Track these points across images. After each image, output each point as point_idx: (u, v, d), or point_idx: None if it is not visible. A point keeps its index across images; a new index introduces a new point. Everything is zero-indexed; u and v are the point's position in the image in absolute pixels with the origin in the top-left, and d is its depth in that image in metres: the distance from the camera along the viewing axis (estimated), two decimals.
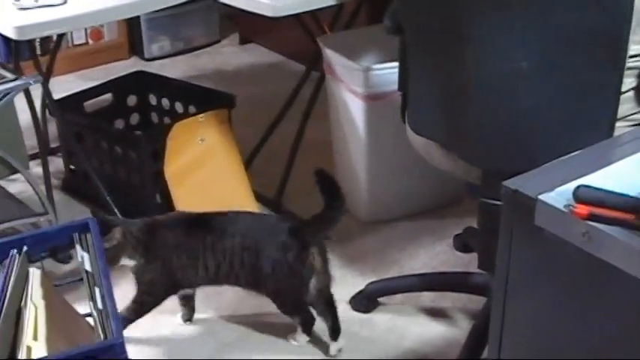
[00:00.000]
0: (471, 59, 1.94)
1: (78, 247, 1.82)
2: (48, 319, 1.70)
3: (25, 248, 1.80)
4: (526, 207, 1.36)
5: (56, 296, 1.83)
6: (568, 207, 1.30)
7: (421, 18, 2.08)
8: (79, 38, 4.25)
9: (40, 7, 2.56)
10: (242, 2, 2.64)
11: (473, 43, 1.93)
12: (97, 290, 1.72)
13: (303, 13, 2.73)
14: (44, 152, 2.98)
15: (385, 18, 2.24)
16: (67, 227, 1.85)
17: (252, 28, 4.46)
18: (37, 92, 3.04)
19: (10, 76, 2.66)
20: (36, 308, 1.71)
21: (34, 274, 1.79)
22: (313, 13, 2.86)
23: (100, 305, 1.69)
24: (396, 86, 2.33)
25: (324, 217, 2.38)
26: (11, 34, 2.50)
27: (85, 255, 1.79)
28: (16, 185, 3.05)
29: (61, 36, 3.23)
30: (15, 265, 1.76)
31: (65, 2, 2.60)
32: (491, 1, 1.87)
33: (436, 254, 2.87)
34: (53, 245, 2.24)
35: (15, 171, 2.73)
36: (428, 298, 2.66)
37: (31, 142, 2.96)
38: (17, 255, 1.78)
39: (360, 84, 2.81)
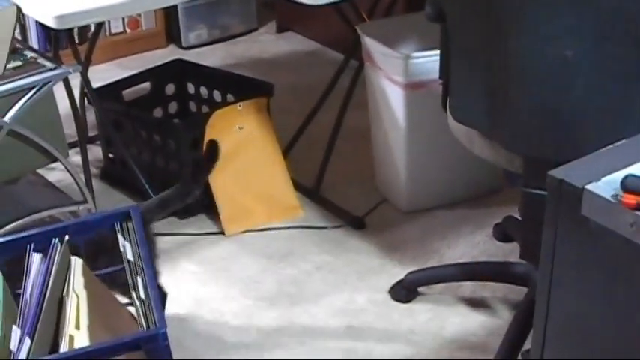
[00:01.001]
0: (514, 47, 1.92)
1: (120, 235, 1.82)
2: (90, 308, 1.71)
3: (66, 237, 1.80)
4: (572, 197, 1.34)
5: (98, 285, 1.83)
6: (615, 197, 1.28)
7: (463, 5, 2.06)
8: (116, 27, 4.26)
9: None
10: None
11: (516, 31, 1.91)
12: (139, 279, 1.72)
13: (342, 1, 2.72)
14: (83, 141, 2.98)
15: (426, 5, 2.21)
16: (109, 216, 1.85)
17: (289, 16, 4.44)
18: (75, 81, 3.04)
19: (49, 65, 2.67)
20: (78, 297, 1.71)
21: (76, 263, 1.79)
22: (351, 1, 2.84)
23: (142, 294, 1.69)
24: (436, 74, 2.30)
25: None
26: (51, 23, 2.50)
27: (127, 244, 1.79)
28: (56, 174, 3.06)
29: (99, 25, 3.24)
30: (57, 255, 1.76)
31: None
32: None
33: (476, 243, 2.85)
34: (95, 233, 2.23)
35: (55, 160, 2.73)
36: (468, 287, 2.64)
37: (70, 130, 2.96)
38: (59, 244, 1.78)
39: (399, 72, 2.79)
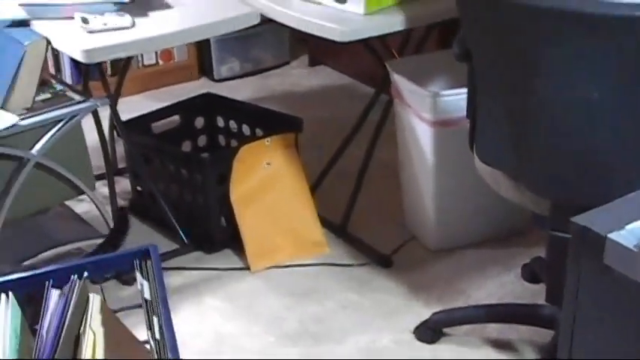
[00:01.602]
0: (540, 89, 1.90)
1: (138, 274, 1.80)
2: (106, 346, 1.69)
3: (85, 274, 1.79)
4: (595, 245, 1.32)
5: (116, 323, 1.81)
6: (639, 246, 1.25)
7: (490, 46, 2.04)
8: (149, 59, 4.27)
9: (108, 30, 2.57)
10: (310, 27, 2.62)
11: (543, 73, 1.89)
12: (155, 319, 1.70)
13: (370, 38, 2.71)
14: (110, 173, 2.98)
15: (454, 44, 2.20)
16: (128, 253, 1.83)
17: (321, 50, 4.44)
18: (106, 113, 3.05)
19: (77, 97, 2.68)
20: (95, 335, 1.69)
21: (94, 300, 1.77)
22: (381, 38, 2.83)
23: (157, 335, 1.68)
24: (464, 113, 2.29)
25: None
26: (79, 57, 2.51)
27: (145, 283, 1.78)
28: (84, 205, 3.07)
29: (129, 58, 3.24)
30: (75, 291, 1.75)
31: (133, 25, 2.61)
32: (561, 29, 1.83)
33: (503, 284, 2.82)
34: (114, 271, 2.23)
35: (81, 192, 2.74)
36: (494, 329, 2.60)
37: (99, 162, 2.97)
38: (78, 280, 1.77)
39: (428, 109, 2.77)
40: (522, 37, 1.91)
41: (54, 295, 1.77)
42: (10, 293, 1.78)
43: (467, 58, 2.16)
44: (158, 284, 1.71)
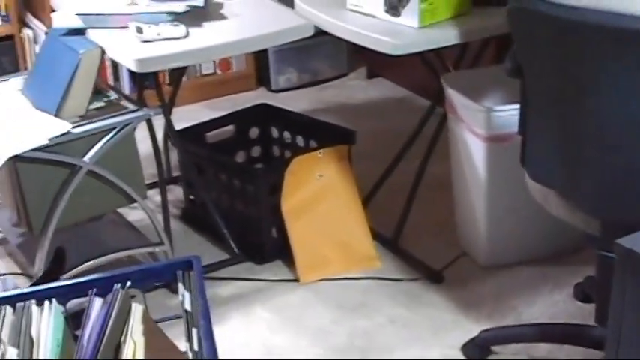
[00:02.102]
0: (592, 108, 1.87)
1: (180, 285, 1.81)
2: (147, 355, 1.69)
3: (128, 283, 1.79)
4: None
5: (157, 333, 1.82)
6: None
7: (542, 62, 2.01)
8: (207, 68, 4.29)
9: (162, 40, 2.58)
10: (363, 39, 2.62)
11: (593, 89, 1.86)
12: (194, 331, 1.70)
13: (425, 51, 2.69)
14: (163, 183, 3.00)
15: (506, 59, 2.18)
16: (171, 264, 1.84)
17: (380, 62, 4.40)
18: (161, 121, 3.07)
19: (131, 106, 2.70)
20: (135, 344, 1.70)
21: (136, 309, 1.78)
22: (437, 51, 2.81)
23: (196, 346, 1.68)
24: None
25: None
26: (132, 67, 2.53)
27: (187, 294, 1.78)
28: (137, 213, 3.09)
29: (184, 68, 3.26)
30: (117, 300, 1.75)
31: (187, 36, 2.62)
32: (613, 49, 1.80)
33: (555, 302, 2.78)
34: (157, 281, 2.24)
35: (133, 200, 2.75)
36: (543, 348, 2.56)
37: (152, 170, 2.99)
38: (120, 290, 1.78)
39: (481, 125, 2.75)
40: (577, 54, 1.89)
41: (97, 303, 1.78)
42: (54, 300, 1.80)
43: (519, 74, 2.14)
44: (199, 296, 1.71)
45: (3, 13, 3.85)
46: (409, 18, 2.60)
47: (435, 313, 2.76)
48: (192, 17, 2.72)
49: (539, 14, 1.93)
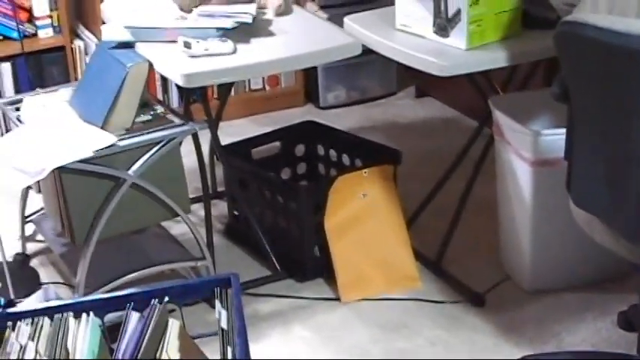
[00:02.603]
0: (637, 133, 1.84)
1: (217, 302, 1.80)
2: None
3: (166, 299, 1.80)
4: None
5: (193, 349, 1.82)
6: None
7: (589, 88, 1.99)
8: (256, 84, 4.30)
9: (209, 55, 2.59)
10: (410, 59, 2.61)
11: None
12: (229, 349, 1.70)
13: (473, 73, 2.68)
14: (207, 198, 3.00)
15: (553, 83, 2.15)
16: (210, 281, 1.84)
17: (429, 81, 4.37)
18: (207, 136, 3.08)
19: (177, 121, 2.71)
20: None
21: (173, 325, 1.78)
22: (485, 73, 2.79)
23: None
24: None
25: None
26: (179, 81, 2.54)
27: (223, 312, 1.78)
28: (180, 227, 3.09)
29: (231, 84, 3.27)
30: (154, 315, 1.76)
31: (234, 52, 2.63)
32: None
33: (598, 330, 2.74)
34: (195, 297, 2.23)
35: (177, 214, 2.76)
36: None
37: (198, 184, 3.00)
38: (158, 305, 1.78)
39: (528, 148, 2.72)
40: (623, 79, 1.86)
41: (134, 317, 1.79)
42: (92, 313, 1.81)
43: (566, 99, 2.12)
44: (236, 314, 1.71)
45: (55, 24, 3.88)
46: (457, 39, 2.58)
47: (476, 337, 2.73)
48: (241, 33, 2.73)
49: (587, 39, 1.91)
